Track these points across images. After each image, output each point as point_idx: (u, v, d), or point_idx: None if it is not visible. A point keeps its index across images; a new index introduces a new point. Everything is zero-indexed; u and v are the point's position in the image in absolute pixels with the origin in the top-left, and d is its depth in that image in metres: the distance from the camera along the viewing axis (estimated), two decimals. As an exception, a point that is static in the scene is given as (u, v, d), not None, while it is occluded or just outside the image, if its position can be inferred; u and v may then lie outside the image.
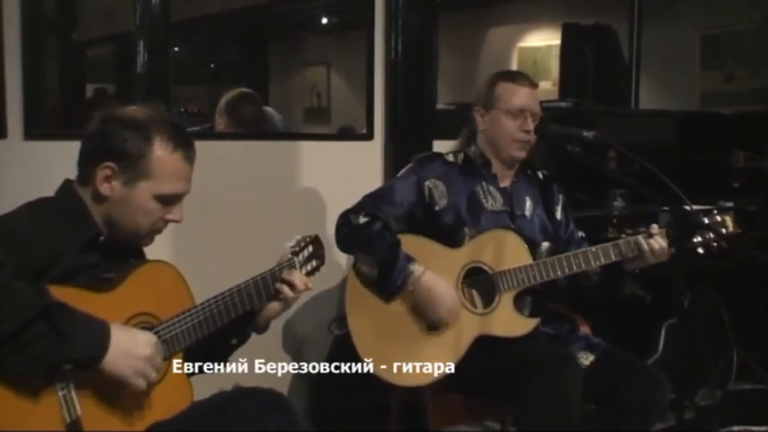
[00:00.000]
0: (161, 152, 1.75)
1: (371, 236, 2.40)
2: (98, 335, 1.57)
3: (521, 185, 2.60)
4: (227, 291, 1.85)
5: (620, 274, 2.49)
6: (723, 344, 3.55)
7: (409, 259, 2.36)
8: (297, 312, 2.99)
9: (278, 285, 1.93)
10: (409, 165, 2.59)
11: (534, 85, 2.57)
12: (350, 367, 2.38)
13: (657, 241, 2.38)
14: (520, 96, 2.51)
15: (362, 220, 2.43)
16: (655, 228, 2.42)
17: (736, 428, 3.18)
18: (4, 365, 1.49)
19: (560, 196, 2.67)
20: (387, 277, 2.35)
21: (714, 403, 3.36)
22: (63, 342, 1.51)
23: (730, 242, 2.42)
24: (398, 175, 2.60)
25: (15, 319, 1.47)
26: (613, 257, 2.42)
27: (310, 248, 2.04)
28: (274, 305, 1.96)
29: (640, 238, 2.41)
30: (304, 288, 1.96)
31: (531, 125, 2.48)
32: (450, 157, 2.59)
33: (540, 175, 2.67)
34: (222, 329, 1.85)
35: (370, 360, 2.37)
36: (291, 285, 1.94)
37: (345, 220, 2.47)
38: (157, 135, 1.75)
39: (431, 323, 2.37)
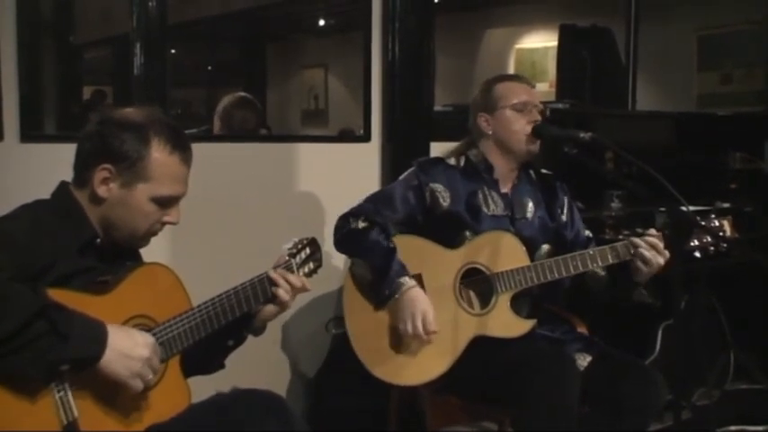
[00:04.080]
0: (159, 154, 1.75)
1: (368, 243, 2.39)
2: (95, 335, 1.57)
3: (522, 188, 2.59)
4: (223, 293, 1.85)
5: (630, 285, 2.48)
6: (720, 344, 3.56)
7: (402, 272, 2.35)
8: (295, 315, 2.99)
9: (274, 289, 1.93)
10: (411, 168, 2.58)
11: (529, 83, 2.59)
12: (347, 368, 2.38)
13: (651, 241, 2.38)
14: (522, 91, 2.52)
15: (361, 225, 2.43)
16: (652, 231, 2.42)
17: (733, 428, 3.18)
18: (3, 366, 1.49)
19: (565, 197, 2.65)
20: (378, 285, 2.36)
21: (711, 403, 3.37)
22: (61, 342, 1.51)
23: (728, 246, 2.42)
24: (400, 178, 2.60)
25: (14, 320, 1.47)
26: (610, 260, 2.42)
27: (307, 251, 2.04)
28: (271, 308, 1.96)
29: (636, 239, 2.41)
30: (301, 287, 1.95)
31: (537, 117, 2.49)
32: (452, 161, 2.59)
33: (543, 175, 2.66)
34: (219, 331, 1.85)
35: (368, 360, 2.38)
36: (288, 287, 1.93)
37: (344, 222, 2.47)
38: (155, 137, 1.75)
39: (399, 333, 2.35)
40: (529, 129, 2.48)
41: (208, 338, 1.83)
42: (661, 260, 2.38)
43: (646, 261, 2.38)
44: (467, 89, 2.73)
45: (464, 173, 2.56)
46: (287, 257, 1.98)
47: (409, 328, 2.31)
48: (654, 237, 2.40)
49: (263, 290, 1.90)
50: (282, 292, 1.92)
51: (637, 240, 2.40)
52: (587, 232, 2.67)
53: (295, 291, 1.94)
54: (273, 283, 1.91)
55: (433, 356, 2.37)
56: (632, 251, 2.39)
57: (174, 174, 1.78)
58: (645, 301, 2.54)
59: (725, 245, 2.40)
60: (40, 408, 1.55)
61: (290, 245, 2.01)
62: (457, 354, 2.36)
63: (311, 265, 2.04)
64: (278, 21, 5.10)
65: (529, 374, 2.21)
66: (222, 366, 2.03)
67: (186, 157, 1.80)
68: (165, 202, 1.79)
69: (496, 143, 2.55)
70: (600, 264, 2.42)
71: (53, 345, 1.50)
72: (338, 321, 2.53)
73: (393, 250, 2.38)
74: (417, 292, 2.34)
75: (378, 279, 2.35)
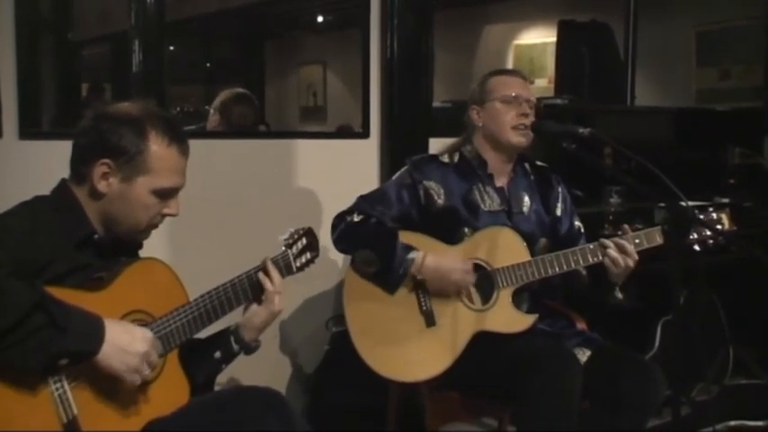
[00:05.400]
0: (157, 147, 1.76)
1: (368, 230, 2.41)
2: (93, 329, 1.57)
3: (518, 182, 2.60)
4: (220, 285, 1.85)
5: (606, 284, 2.49)
6: (719, 340, 3.56)
7: (408, 248, 2.37)
8: (294, 313, 3.00)
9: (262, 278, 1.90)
10: (404, 167, 2.58)
11: (525, 78, 2.60)
12: (346, 365, 2.38)
13: (619, 243, 2.38)
14: (512, 85, 2.53)
15: (357, 218, 2.44)
16: (626, 227, 2.44)
17: (731, 424, 3.19)
18: (2, 359, 1.49)
19: (560, 189, 2.65)
20: (388, 268, 2.36)
21: (710, 399, 3.37)
22: (60, 334, 1.51)
23: (726, 239, 2.42)
24: (393, 177, 2.60)
25: (13, 315, 1.47)
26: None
27: (304, 240, 2.03)
28: (257, 309, 1.94)
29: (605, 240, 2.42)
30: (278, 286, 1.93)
31: (527, 110, 2.49)
32: (446, 158, 2.59)
33: (538, 167, 2.66)
34: (206, 346, 1.86)
35: (369, 357, 2.38)
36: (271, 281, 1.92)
37: (340, 220, 2.48)
38: (152, 130, 1.76)
39: (450, 294, 2.38)
40: (516, 121, 2.48)
41: (194, 356, 1.83)
42: (630, 263, 2.39)
43: (614, 262, 2.38)
44: (465, 85, 2.73)
45: (458, 170, 2.56)
46: (283, 248, 1.98)
47: (456, 280, 2.36)
48: (624, 239, 2.40)
49: (260, 280, 1.91)
50: (269, 285, 1.91)
51: (605, 241, 2.41)
52: (578, 223, 2.66)
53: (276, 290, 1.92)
54: (266, 274, 1.91)
55: (435, 353, 2.37)
56: (601, 252, 2.40)
57: (173, 166, 1.79)
58: (617, 303, 2.55)
59: (722, 238, 2.40)
60: (39, 405, 1.55)
61: (285, 235, 2.00)
62: (459, 350, 2.37)
63: (308, 255, 2.04)
64: (276, 18, 5.09)
65: (531, 371, 2.21)
66: (211, 387, 1.98)
67: (184, 149, 1.81)
68: (165, 194, 1.80)
69: (486, 136, 2.55)
70: (600, 258, 2.42)
71: (52, 337, 1.50)
72: (338, 319, 2.54)
73: (395, 232, 2.39)
74: (433, 257, 2.36)
75: (386, 262, 2.36)
